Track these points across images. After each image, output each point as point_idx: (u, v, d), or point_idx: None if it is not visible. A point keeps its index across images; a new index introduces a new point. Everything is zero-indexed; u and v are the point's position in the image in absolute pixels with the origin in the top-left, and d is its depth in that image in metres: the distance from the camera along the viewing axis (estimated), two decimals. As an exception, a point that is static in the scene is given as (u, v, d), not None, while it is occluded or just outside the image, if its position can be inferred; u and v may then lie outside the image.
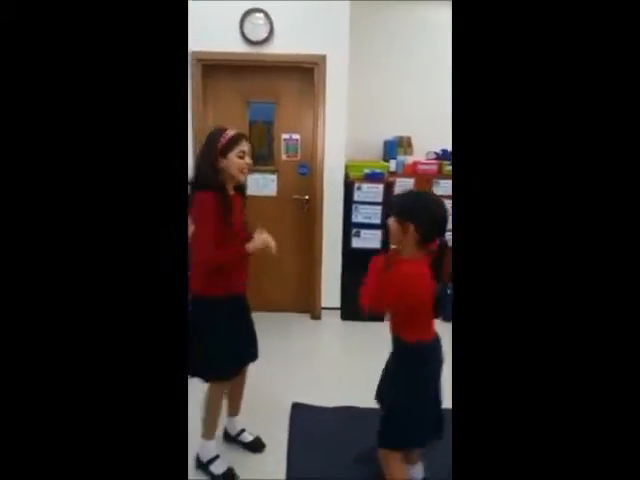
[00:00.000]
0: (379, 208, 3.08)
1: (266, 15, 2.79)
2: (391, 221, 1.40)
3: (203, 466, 1.78)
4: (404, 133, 3.48)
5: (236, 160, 1.57)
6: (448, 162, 3.25)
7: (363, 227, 3.12)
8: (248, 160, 1.62)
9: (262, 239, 1.65)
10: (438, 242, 1.37)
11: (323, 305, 3.30)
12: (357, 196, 3.07)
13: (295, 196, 3.17)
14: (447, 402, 1.25)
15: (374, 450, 1.58)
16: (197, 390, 1.69)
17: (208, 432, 1.77)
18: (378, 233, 3.12)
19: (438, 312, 1.44)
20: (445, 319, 1.59)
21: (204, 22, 2.75)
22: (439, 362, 1.46)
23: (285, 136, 3.11)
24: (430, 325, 1.46)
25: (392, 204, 1.44)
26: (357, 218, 3.11)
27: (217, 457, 1.78)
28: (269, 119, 3.10)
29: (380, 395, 1.65)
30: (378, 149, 3.53)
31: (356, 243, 3.15)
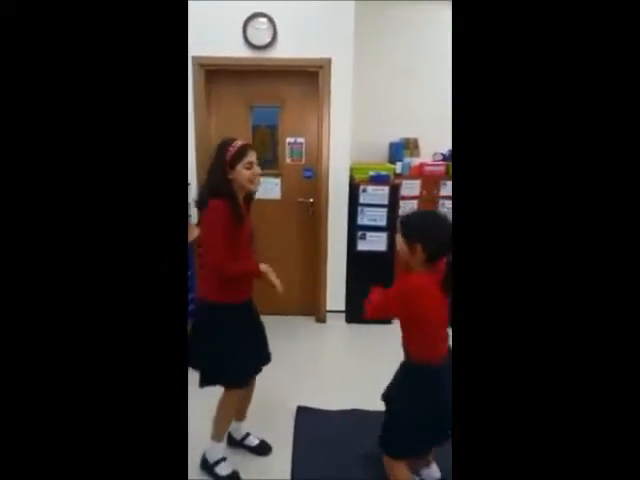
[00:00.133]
0: (385, 210, 3.07)
1: (269, 19, 2.80)
2: (399, 241, 1.43)
3: (208, 467, 1.79)
4: (410, 135, 3.47)
5: (244, 172, 1.61)
6: (454, 163, 3.23)
7: (369, 230, 3.11)
8: (257, 170, 1.64)
9: (274, 277, 1.72)
10: (447, 261, 1.37)
11: (328, 308, 3.29)
12: (363, 198, 3.06)
13: (300, 199, 3.17)
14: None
15: (379, 451, 1.57)
16: (208, 394, 1.70)
17: (218, 434, 1.78)
18: (384, 236, 3.10)
19: None
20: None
21: (207, 27, 2.77)
22: (448, 384, 1.43)
23: (290, 140, 3.11)
24: (440, 346, 1.44)
25: (400, 224, 1.45)
26: (363, 221, 3.10)
27: (224, 459, 1.80)
28: (273, 123, 3.11)
29: (386, 397, 1.63)
30: (384, 151, 3.52)
31: (362, 246, 3.14)
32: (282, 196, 3.18)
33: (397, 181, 3.13)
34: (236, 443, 1.95)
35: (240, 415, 1.93)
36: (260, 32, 2.82)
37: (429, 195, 3.33)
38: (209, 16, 2.77)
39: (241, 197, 1.66)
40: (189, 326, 1.71)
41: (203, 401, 1.73)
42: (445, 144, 3.26)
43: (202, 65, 2.87)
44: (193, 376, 1.71)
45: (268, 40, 2.82)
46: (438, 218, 1.42)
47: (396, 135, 3.48)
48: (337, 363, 2.82)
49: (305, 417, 2.16)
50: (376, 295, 1.46)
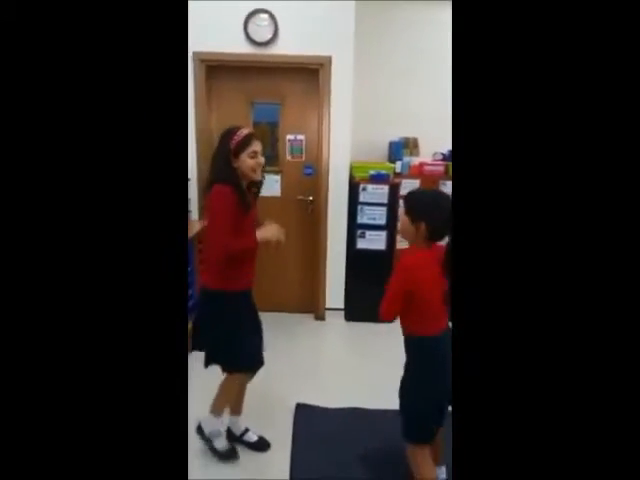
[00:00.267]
0: (384, 209, 3.07)
1: (271, 16, 2.80)
2: (402, 218, 1.43)
3: (204, 437, 1.85)
4: (410, 134, 3.47)
5: (248, 160, 1.61)
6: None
7: (368, 228, 3.11)
8: (261, 160, 1.65)
9: (272, 228, 1.69)
10: (447, 244, 1.38)
11: (327, 306, 3.29)
12: (362, 197, 3.06)
13: (300, 197, 3.17)
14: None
15: (377, 449, 1.57)
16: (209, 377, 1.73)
17: (215, 409, 1.83)
18: (383, 234, 3.11)
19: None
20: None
21: (208, 23, 2.76)
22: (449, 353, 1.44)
23: (290, 137, 3.11)
24: (439, 320, 1.45)
25: (404, 201, 1.45)
26: (362, 219, 3.10)
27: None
28: (273, 120, 3.11)
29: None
30: (383, 150, 3.52)
31: (361, 244, 3.14)
32: (282, 193, 3.18)
33: (397, 180, 3.14)
34: (235, 439, 1.95)
35: (236, 410, 1.94)
36: (261, 28, 2.81)
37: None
38: (210, 12, 2.76)
39: (245, 186, 1.66)
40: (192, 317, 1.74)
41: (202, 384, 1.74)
42: (445, 144, 3.27)
43: (203, 61, 2.86)
44: (195, 356, 1.73)
45: (269, 37, 2.81)
46: (443, 197, 1.42)
47: (396, 134, 3.48)
48: (336, 361, 2.83)
49: (304, 414, 2.16)
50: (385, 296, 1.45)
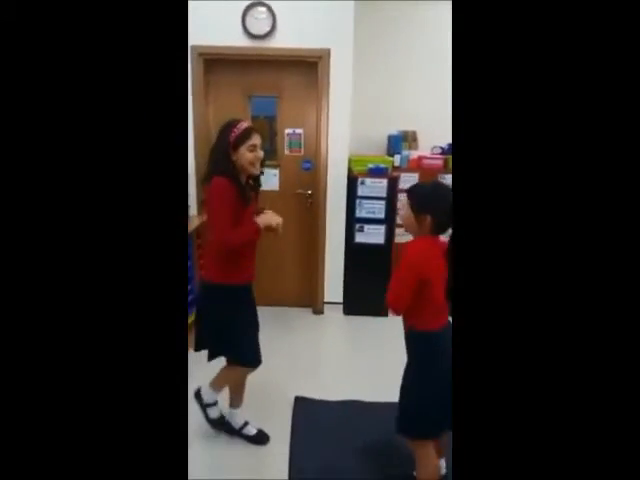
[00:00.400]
0: (383, 203, 3.07)
1: (269, 9, 2.77)
2: (405, 212, 1.44)
3: (201, 403, 1.91)
4: (409, 127, 3.46)
5: (247, 154, 1.61)
6: (453, 157, 3.23)
7: (367, 222, 3.11)
8: (259, 154, 1.65)
9: (270, 215, 1.70)
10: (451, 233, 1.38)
11: (326, 300, 3.30)
12: (361, 191, 3.06)
13: (298, 190, 3.17)
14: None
15: (376, 441, 1.58)
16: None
17: (215, 386, 1.89)
18: (382, 228, 3.11)
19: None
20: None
21: (206, 16, 2.74)
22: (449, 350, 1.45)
23: (288, 131, 3.10)
24: (442, 316, 1.46)
25: (408, 195, 1.45)
26: (361, 213, 3.10)
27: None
28: (271, 114, 3.09)
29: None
30: (382, 144, 3.51)
31: (359, 238, 3.15)
32: (280, 187, 3.18)
33: (395, 174, 3.14)
34: (234, 432, 1.96)
35: (236, 402, 1.96)
36: (259, 21, 2.79)
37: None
38: (208, 5, 2.74)
39: (243, 179, 1.66)
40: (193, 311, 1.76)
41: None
42: (444, 137, 3.26)
43: (201, 54, 2.84)
44: (195, 358, 1.75)
45: (267, 30, 2.79)
46: (445, 188, 1.43)
47: (394, 128, 3.47)
48: (334, 354, 2.85)
49: (303, 407, 2.18)
50: (390, 286, 1.43)
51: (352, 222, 3.13)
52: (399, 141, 3.41)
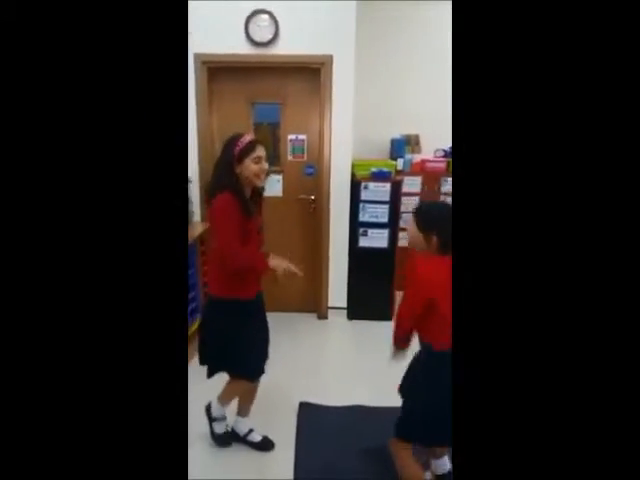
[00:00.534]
0: (386, 207, 3.07)
1: (271, 16, 2.80)
2: (412, 230, 1.45)
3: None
4: (411, 131, 3.47)
5: (252, 166, 1.62)
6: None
7: (370, 226, 3.11)
8: (264, 165, 1.66)
9: (281, 261, 1.67)
10: None
11: (330, 305, 3.30)
12: (364, 195, 3.06)
13: (301, 196, 3.17)
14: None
15: (381, 446, 1.58)
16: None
17: (223, 400, 1.90)
18: (385, 232, 3.11)
19: None
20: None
21: (209, 24, 2.77)
22: None
23: (291, 137, 3.11)
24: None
25: (414, 214, 1.48)
26: (364, 217, 3.10)
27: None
28: (274, 120, 3.11)
29: (402, 389, 1.63)
30: (385, 148, 3.52)
31: (363, 242, 3.14)
32: (284, 193, 3.18)
33: (398, 178, 3.14)
34: (239, 439, 1.96)
35: (244, 412, 1.96)
36: (262, 29, 2.82)
37: (430, 191, 3.33)
38: (211, 13, 2.77)
39: (248, 192, 1.67)
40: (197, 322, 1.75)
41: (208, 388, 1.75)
42: (447, 140, 3.26)
43: (204, 62, 2.87)
44: (199, 366, 1.75)
45: (270, 37, 2.82)
46: (450, 208, 1.43)
47: (397, 131, 3.48)
48: (339, 359, 2.84)
49: (307, 413, 2.17)
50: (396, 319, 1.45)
51: (356, 226, 3.13)
52: (402, 145, 3.42)
